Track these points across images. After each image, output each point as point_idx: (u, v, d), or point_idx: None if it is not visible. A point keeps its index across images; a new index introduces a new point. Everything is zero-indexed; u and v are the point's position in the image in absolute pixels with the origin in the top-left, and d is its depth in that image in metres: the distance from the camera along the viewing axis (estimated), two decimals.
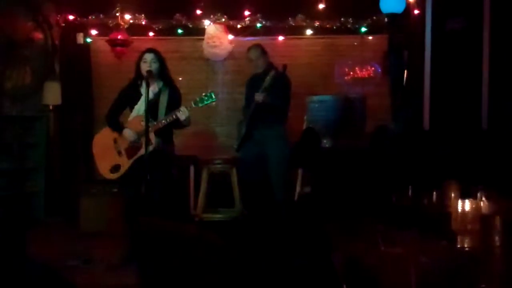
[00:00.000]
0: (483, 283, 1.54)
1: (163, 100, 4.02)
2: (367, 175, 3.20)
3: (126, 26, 5.71)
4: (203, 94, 4.02)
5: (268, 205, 4.70)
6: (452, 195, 2.25)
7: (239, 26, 5.74)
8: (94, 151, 4.17)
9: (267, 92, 4.53)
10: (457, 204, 2.04)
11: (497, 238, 1.87)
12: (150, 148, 3.72)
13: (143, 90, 3.97)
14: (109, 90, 4.78)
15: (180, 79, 5.43)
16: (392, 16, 4.78)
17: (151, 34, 5.79)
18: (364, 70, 5.72)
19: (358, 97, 4.60)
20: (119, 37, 5.65)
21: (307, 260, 2.72)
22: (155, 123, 3.90)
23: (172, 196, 4.33)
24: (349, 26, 5.70)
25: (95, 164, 4.20)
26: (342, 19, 5.67)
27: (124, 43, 5.68)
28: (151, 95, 3.87)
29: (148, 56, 4.00)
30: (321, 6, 5.61)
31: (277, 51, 5.64)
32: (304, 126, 4.95)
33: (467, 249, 1.93)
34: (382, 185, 2.87)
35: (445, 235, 1.96)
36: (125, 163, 4.01)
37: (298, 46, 5.85)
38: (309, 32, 5.76)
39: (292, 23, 5.74)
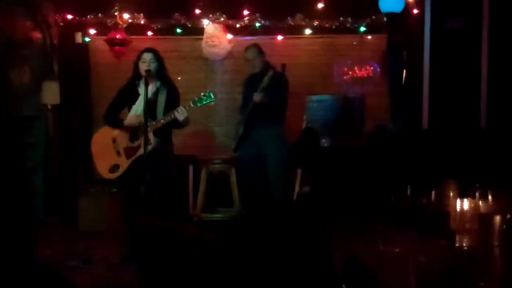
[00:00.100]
0: (481, 282, 1.54)
1: (161, 99, 4.02)
2: (366, 175, 3.20)
3: (124, 25, 5.71)
4: (202, 94, 4.02)
5: (267, 205, 4.71)
6: (451, 194, 2.25)
7: (238, 25, 5.74)
8: (93, 150, 4.17)
9: (265, 92, 4.53)
10: (455, 204, 2.04)
11: (495, 237, 1.87)
12: (149, 148, 3.72)
13: (141, 89, 3.97)
14: (108, 90, 4.78)
15: (179, 78, 5.42)
16: (391, 15, 4.78)
17: (149, 33, 5.78)
18: (363, 69, 5.72)
19: (357, 96, 4.59)
20: (117, 36, 5.65)
21: (307, 260, 2.72)
22: (153, 122, 3.90)
23: (171, 196, 4.33)
24: (348, 25, 5.69)
25: (94, 164, 4.20)
26: (341, 18, 5.67)
27: (122, 43, 5.67)
28: (149, 95, 3.87)
29: (147, 56, 4.00)
30: (320, 5, 5.61)
31: (276, 50, 5.64)
32: (303, 126, 4.95)
33: (465, 248, 1.93)
34: (381, 185, 2.87)
35: (444, 234, 1.96)
36: (124, 163, 4.01)
37: (297, 45, 5.85)
38: (308, 31, 5.76)
39: (291, 22, 5.73)
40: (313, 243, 2.80)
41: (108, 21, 5.72)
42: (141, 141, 3.80)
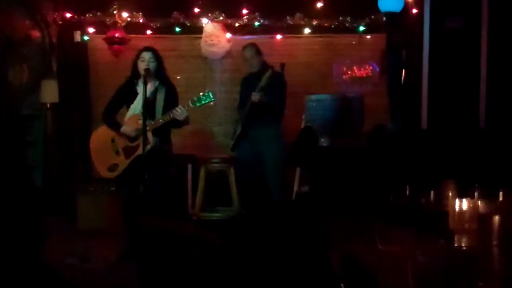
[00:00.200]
0: (480, 282, 1.54)
1: (160, 98, 4.01)
2: (365, 174, 3.20)
3: (123, 24, 5.70)
4: (201, 93, 4.01)
5: (266, 204, 4.71)
6: (450, 194, 2.24)
7: (237, 24, 5.73)
8: (92, 149, 4.16)
9: (264, 91, 4.53)
10: (454, 203, 2.04)
11: (494, 237, 1.87)
12: (148, 147, 3.72)
13: (139, 88, 3.97)
14: (106, 88, 4.77)
15: (178, 77, 5.42)
16: (391, 15, 4.78)
17: (148, 32, 5.78)
18: (362, 69, 5.72)
19: (356, 96, 4.58)
20: (116, 35, 5.64)
21: (305, 259, 2.73)
22: (152, 122, 3.89)
23: (170, 195, 4.33)
24: (347, 25, 5.69)
25: (93, 163, 4.20)
26: (340, 18, 5.67)
27: (121, 41, 5.66)
28: (148, 94, 3.87)
29: (146, 55, 3.99)
30: (319, 5, 5.62)
31: (275, 49, 5.65)
32: (302, 125, 4.94)
33: (464, 248, 1.93)
34: (380, 184, 2.87)
35: (443, 234, 1.96)
36: (123, 163, 4.01)
37: (296, 45, 5.85)
38: (307, 31, 5.76)
39: (290, 21, 5.73)
40: (311, 242, 2.80)
41: (107, 19, 5.71)
42: (140, 140, 3.80)
